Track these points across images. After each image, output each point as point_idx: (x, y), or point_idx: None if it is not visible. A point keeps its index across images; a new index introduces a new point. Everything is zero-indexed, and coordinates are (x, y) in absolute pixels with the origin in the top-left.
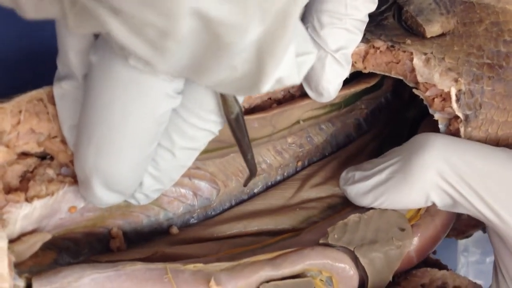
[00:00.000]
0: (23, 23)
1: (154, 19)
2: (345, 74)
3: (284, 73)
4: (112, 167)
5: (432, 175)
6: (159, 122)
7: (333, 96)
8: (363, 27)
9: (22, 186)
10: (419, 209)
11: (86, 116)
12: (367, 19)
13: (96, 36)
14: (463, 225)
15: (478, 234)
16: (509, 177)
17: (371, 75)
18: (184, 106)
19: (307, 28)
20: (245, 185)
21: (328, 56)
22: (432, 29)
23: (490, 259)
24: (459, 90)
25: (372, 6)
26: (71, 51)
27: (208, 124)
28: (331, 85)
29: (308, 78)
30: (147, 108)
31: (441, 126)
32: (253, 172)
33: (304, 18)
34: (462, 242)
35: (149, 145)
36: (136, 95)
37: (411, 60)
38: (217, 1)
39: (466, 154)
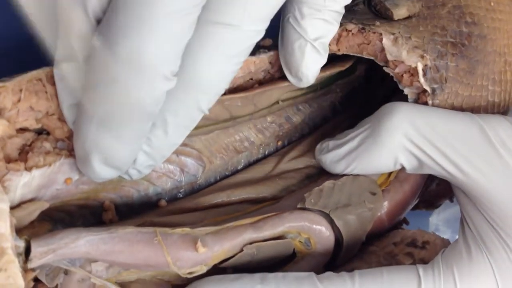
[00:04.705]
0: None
1: None
2: (323, 61)
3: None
4: (111, 144)
5: (399, 138)
6: (156, 102)
7: (312, 82)
8: (340, 18)
9: (21, 158)
10: (389, 175)
11: (88, 96)
12: (343, 11)
13: (98, 21)
14: (431, 196)
15: (448, 214)
16: (470, 135)
17: (345, 59)
18: (177, 86)
19: (288, 18)
20: None
21: (308, 44)
22: (399, 12)
23: None
24: (426, 65)
25: None
26: (74, 35)
27: (198, 104)
28: (310, 71)
29: (288, 64)
30: (146, 90)
31: (410, 100)
32: None
33: (285, 8)
34: (433, 222)
35: (146, 123)
36: (136, 78)
37: (381, 40)
38: None
39: (430, 117)
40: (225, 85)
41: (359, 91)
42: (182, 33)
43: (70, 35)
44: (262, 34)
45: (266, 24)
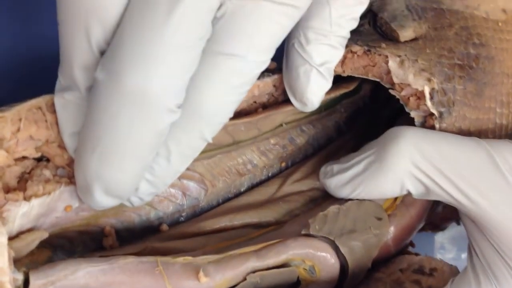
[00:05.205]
0: (21, 28)
1: None
2: (328, 86)
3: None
4: (113, 175)
5: (406, 164)
6: (160, 135)
7: (316, 107)
8: (345, 42)
9: (20, 186)
10: (395, 200)
11: (90, 127)
12: (349, 35)
13: (102, 53)
14: (438, 218)
15: (453, 232)
16: (477, 161)
17: (350, 80)
18: (181, 117)
19: (293, 44)
20: None
21: (313, 70)
22: (406, 34)
23: (465, 255)
24: (433, 89)
25: (354, 23)
26: (76, 66)
27: (202, 134)
28: (315, 96)
29: (293, 89)
30: (151, 123)
31: (417, 123)
32: None
33: (291, 33)
34: (438, 240)
35: (149, 155)
36: (141, 111)
37: (387, 62)
38: None
39: (437, 142)
40: (229, 115)
41: (364, 111)
42: (187, 66)
43: (72, 65)
44: (267, 63)
45: (271, 54)
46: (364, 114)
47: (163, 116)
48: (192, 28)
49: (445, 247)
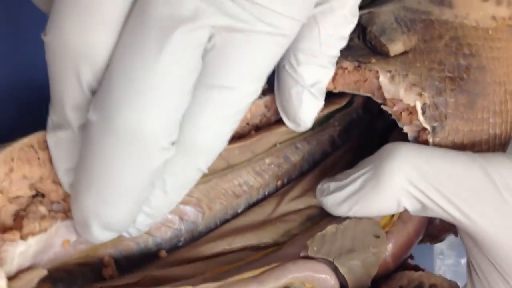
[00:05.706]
0: (21, 55)
1: None
2: (320, 105)
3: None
4: (110, 212)
5: (401, 181)
6: (155, 172)
7: (310, 126)
8: (335, 60)
9: (16, 225)
10: (392, 216)
11: (85, 167)
12: (339, 54)
13: (93, 92)
14: (436, 230)
15: (452, 238)
16: (473, 178)
17: (342, 95)
18: (176, 151)
19: (284, 65)
20: None
21: (305, 91)
22: (395, 48)
23: (464, 261)
24: (424, 103)
25: (344, 42)
26: (68, 106)
27: (198, 165)
28: (308, 117)
29: (286, 110)
30: (145, 162)
31: (410, 138)
32: None
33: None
34: (437, 246)
35: (145, 191)
36: (135, 151)
37: (377, 78)
38: None
39: (432, 159)
40: (224, 144)
41: (358, 122)
42: (179, 103)
43: (64, 105)
44: (259, 91)
45: (263, 82)
46: (358, 125)
47: (157, 154)
48: (182, 65)
49: (444, 253)
